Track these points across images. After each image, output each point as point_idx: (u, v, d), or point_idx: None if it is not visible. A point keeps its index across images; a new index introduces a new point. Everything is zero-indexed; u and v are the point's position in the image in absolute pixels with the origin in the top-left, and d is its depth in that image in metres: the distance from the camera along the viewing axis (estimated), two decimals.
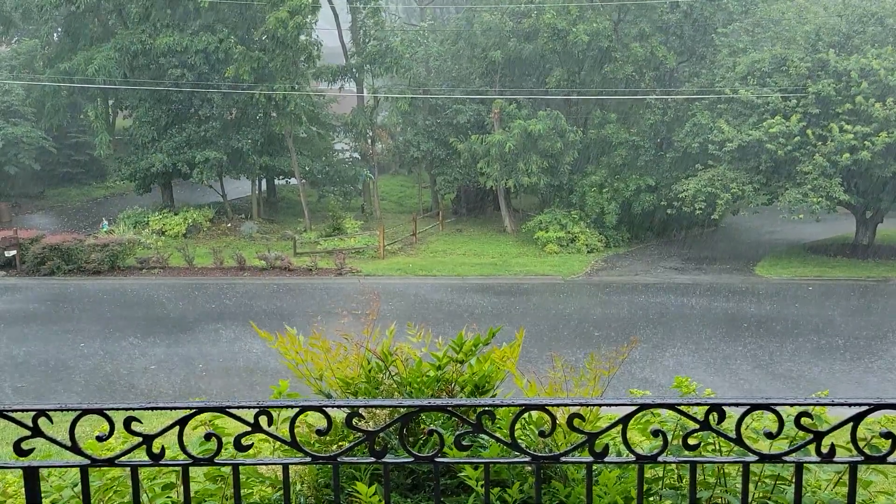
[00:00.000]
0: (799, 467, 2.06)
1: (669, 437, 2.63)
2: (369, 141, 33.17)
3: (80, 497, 2.22)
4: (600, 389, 3.07)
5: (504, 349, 3.26)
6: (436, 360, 3.15)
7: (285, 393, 3.13)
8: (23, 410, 1.99)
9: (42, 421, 1.96)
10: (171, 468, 2.83)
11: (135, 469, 2.13)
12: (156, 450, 2.02)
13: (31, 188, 34.96)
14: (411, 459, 2.06)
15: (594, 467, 2.20)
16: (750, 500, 2.73)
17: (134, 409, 2.00)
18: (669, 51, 28.61)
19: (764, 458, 2.04)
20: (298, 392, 3.25)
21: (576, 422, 2.03)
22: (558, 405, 2.26)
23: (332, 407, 2.09)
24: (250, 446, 2.03)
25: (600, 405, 2.02)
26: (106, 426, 1.99)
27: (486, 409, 2.09)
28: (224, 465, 2.21)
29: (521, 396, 3.02)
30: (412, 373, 3.14)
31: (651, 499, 2.85)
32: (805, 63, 24.18)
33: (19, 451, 1.98)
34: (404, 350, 3.31)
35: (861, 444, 1.95)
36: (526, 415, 2.94)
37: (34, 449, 2.03)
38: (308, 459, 2.08)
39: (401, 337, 3.35)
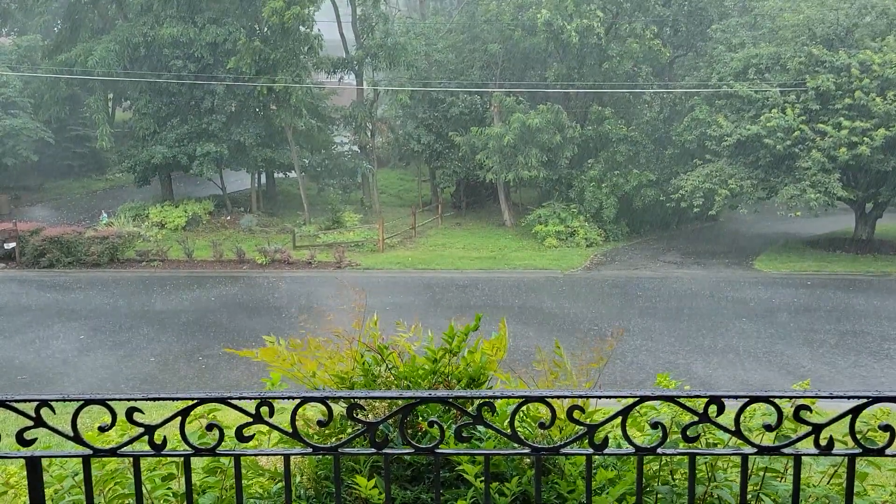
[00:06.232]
0: (798, 460, 2.07)
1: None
2: (369, 134, 33.09)
3: (82, 487, 2.23)
4: (594, 380, 3.08)
5: (493, 340, 3.24)
6: (430, 354, 3.15)
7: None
8: (25, 401, 2.00)
9: (44, 411, 1.97)
10: (170, 459, 2.84)
11: (137, 459, 2.14)
12: (157, 440, 2.03)
13: (31, 180, 34.89)
14: (412, 451, 2.07)
15: (593, 459, 2.21)
16: None
17: (136, 400, 2.01)
18: (666, 45, 28.49)
19: (763, 451, 2.05)
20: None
21: (576, 413, 2.03)
22: (558, 397, 2.27)
23: (334, 398, 2.10)
24: (252, 437, 2.04)
25: (600, 397, 2.03)
26: (108, 417, 2.00)
27: (487, 400, 2.10)
28: (226, 455, 2.23)
29: (519, 388, 3.02)
30: (408, 366, 3.14)
31: (646, 496, 2.85)
32: (798, 58, 24.11)
33: (22, 441, 1.99)
34: (399, 343, 3.31)
35: (857, 436, 1.97)
36: (524, 408, 2.94)
37: (37, 439, 2.04)
38: (309, 450, 2.09)
39: (393, 331, 3.34)
